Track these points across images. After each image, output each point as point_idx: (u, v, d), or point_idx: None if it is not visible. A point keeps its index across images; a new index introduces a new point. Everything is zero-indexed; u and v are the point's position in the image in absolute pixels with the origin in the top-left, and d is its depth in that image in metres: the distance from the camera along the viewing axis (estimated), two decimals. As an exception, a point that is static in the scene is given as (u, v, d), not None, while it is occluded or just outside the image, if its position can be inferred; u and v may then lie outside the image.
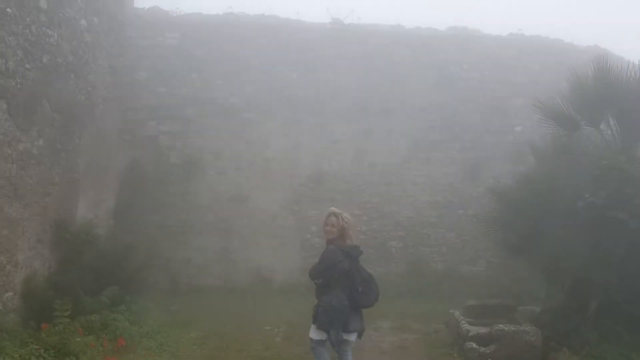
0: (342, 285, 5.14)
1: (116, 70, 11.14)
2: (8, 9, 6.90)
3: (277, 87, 13.07)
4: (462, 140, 13.22)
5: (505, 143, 13.13)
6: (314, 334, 5.28)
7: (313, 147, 13.10)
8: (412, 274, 12.56)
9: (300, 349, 7.79)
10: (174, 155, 13.03)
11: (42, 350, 5.70)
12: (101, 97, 10.23)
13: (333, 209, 5.60)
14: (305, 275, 5.62)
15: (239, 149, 13.07)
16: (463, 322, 7.59)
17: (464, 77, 13.33)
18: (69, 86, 8.90)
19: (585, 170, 7.07)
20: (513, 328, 6.75)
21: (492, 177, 12.81)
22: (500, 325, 6.87)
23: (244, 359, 7.26)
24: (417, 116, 13.13)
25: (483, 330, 7.09)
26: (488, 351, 6.71)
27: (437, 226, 12.99)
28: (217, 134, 13.04)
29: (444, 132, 13.20)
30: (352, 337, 5.30)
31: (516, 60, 13.40)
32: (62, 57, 8.65)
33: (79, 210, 9.13)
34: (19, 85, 7.19)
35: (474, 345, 6.84)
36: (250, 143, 13.08)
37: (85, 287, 7.91)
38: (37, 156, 7.79)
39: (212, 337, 8.51)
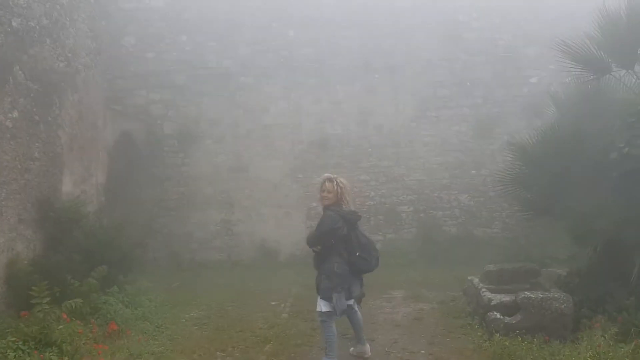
0: (340, 252, 5.12)
1: (98, 35, 10.35)
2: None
3: (274, 47, 12.28)
4: (473, 96, 12.42)
5: (520, 96, 12.33)
6: (322, 305, 5.20)
7: (315, 110, 12.37)
8: (424, 240, 11.97)
9: (307, 325, 7.26)
10: (167, 125, 12.37)
11: (21, 342, 5.14)
12: (82, 64, 9.48)
13: (327, 174, 5.44)
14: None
15: (237, 116, 12.38)
16: (483, 289, 6.98)
17: (473, 27, 12.44)
18: (44, 52, 8.16)
19: (617, 118, 6.31)
20: (541, 295, 6.13)
21: (507, 134, 12.10)
22: (526, 292, 6.25)
23: (246, 339, 6.70)
24: (424, 72, 12.34)
25: (507, 298, 6.48)
26: (514, 321, 6.11)
27: (449, 188, 12.32)
28: (211, 100, 12.33)
29: (454, 87, 12.39)
30: (352, 302, 5.35)
31: (529, 8, 12.44)
32: (35, 20, 7.89)
33: (64, 186, 8.51)
34: (-16, 52, 6.47)
35: (498, 315, 6.25)
36: (248, 109, 12.37)
37: (74, 269, 7.34)
38: (12, 129, 7.13)
39: (213, 316, 7.98)
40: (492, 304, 6.49)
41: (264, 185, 12.32)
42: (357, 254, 5.15)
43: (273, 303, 8.69)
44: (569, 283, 7.15)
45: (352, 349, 5.79)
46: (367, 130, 12.38)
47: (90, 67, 9.87)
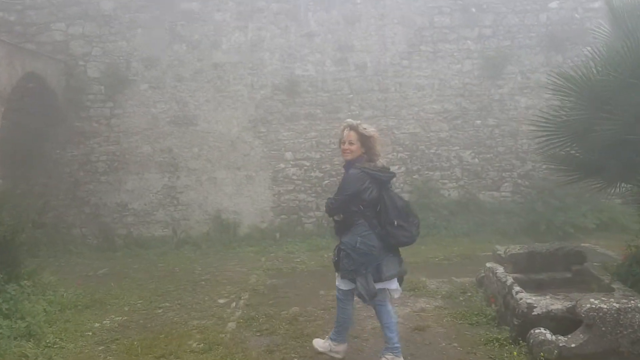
0: (369, 220, 4.20)
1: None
2: None
3: (224, -39, 9.73)
4: (480, 26, 10.15)
5: (537, 25, 10.12)
6: (340, 283, 4.37)
7: (280, 44, 10.01)
8: (419, 206, 9.83)
9: (264, 340, 5.13)
10: (91, 66, 9.91)
11: None
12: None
13: (349, 120, 4.41)
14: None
15: (179, 53, 9.96)
16: (516, 288, 4.90)
17: (480, -64, 10.05)
18: None
19: None
20: (616, 305, 4.07)
21: (520, 74, 10.05)
22: (591, 299, 4.17)
23: (165, 375, 4.58)
24: (419, -6, 9.98)
25: (557, 305, 4.43)
26: (574, 344, 4.06)
27: (449, 143, 10.18)
28: (147, 33, 9.90)
29: (455, 15, 10.11)
30: (392, 285, 4.29)
31: None
32: None
33: None
34: None
35: (548, 335, 4.18)
36: (194, 43, 9.97)
37: None
38: None
39: (134, 325, 5.84)
40: (534, 313, 4.43)
41: (217, 141, 10.04)
42: (395, 223, 4.13)
43: (221, 301, 6.57)
44: (634, 274, 5.12)
45: (325, 343, 4.60)
46: (347, 71, 10.10)
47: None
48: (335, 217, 4.37)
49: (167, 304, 6.53)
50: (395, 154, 10.13)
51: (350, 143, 4.24)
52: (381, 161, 4.32)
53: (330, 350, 4.52)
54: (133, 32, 9.90)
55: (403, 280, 4.49)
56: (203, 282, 7.45)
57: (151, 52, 9.89)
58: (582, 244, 7.42)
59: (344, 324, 4.49)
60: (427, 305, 5.97)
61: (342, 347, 4.53)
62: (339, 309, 4.47)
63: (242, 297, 6.61)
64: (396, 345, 4.32)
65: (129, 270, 8.36)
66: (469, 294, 6.20)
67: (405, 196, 10.03)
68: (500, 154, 10.17)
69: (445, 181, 10.15)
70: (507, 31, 10.09)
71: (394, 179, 4.52)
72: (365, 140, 4.23)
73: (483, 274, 6.11)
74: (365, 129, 4.24)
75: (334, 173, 10.05)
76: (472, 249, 8.72)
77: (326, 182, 10.11)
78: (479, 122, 10.17)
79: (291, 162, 10.08)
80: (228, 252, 9.32)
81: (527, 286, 5.22)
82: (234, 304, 6.37)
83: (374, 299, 4.17)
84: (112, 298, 6.75)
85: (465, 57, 10.15)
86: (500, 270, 5.54)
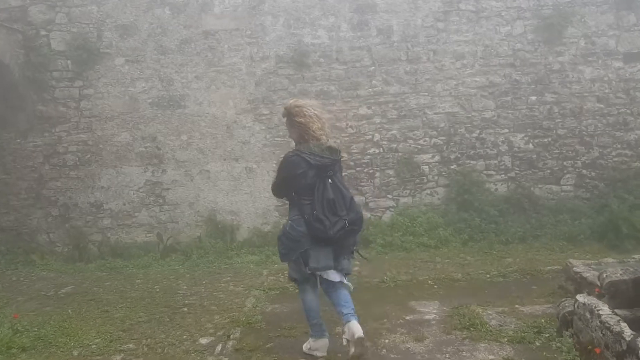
0: (302, 206, 4.05)
1: None
2: None
3: None
4: (534, -23, 8.31)
5: (606, -24, 8.25)
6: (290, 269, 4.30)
7: (285, 5, 8.37)
8: (457, 204, 8.18)
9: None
10: (56, 37, 8.32)
11: None
12: None
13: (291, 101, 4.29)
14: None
15: (161, 18, 8.37)
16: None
17: None
18: None
19: None
20: None
21: (583, 37, 8.24)
22: None
23: None
24: (457, -62, 8.20)
25: None
26: None
27: (496, 124, 8.42)
28: (121, -6, 8.19)
29: (503, -36, 8.27)
30: (333, 277, 4.10)
31: None
32: None
33: None
34: None
35: None
36: (179, 6, 8.36)
37: None
38: None
39: (76, 383, 4.23)
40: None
41: (210, 127, 8.42)
42: (314, 213, 3.95)
43: (203, 342, 4.99)
44: None
45: (307, 345, 4.35)
46: (367, 37, 8.40)
47: None
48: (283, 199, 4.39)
49: (131, 345, 4.94)
50: (427, 139, 8.39)
51: (287, 130, 4.25)
52: (330, 142, 4.16)
53: (310, 349, 4.29)
54: (105, -6, 8.27)
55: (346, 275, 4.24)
56: (185, 309, 5.85)
57: (127, 19, 8.26)
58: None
59: (310, 315, 4.29)
60: (492, 357, 4.25)
61: (321, 343, 4.27)
62: (300, 291, 4.36)
63: (232, 336, 4.97)
64: (349, 311, 4.07)
65: (98, 289, 6.82)
66: (547, 336, 4.49)
67: (441, 193, 8.35)
68: (561, 137, 8.38)
69: (492, 172, 8.38)
70: (568, -17, 8.25)
71: (338, 164, 4.16)
72: (292, 120, 4.11)
73: (570, 309, 4.38)
74: (297, 106, 4.09)
75: (351, 164, 8.38)
76: (531, 260, 6.99)
77: (342, 174, 8.38)
78: (533, 98, 8.38)
79: (300, 151, 8.40)
80: (223, 262, 7.72)
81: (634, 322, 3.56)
82: (219, 347, 4.74)
83: (315, 286, 4.17)
84: (61, 335, 5.19)
85: (516, 17, 8.36)
86: (605, 311, 3.80)
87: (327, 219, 3.94)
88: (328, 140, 4.11)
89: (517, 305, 5.34)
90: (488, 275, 6.48)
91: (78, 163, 8.40)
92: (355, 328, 3.95)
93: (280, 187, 4.20)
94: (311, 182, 3.99)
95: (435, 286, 6.19)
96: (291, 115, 4.10)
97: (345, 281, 4.14)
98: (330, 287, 4.13)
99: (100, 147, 8.39)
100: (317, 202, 3.96)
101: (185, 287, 6.69)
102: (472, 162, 8.37)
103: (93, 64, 8.29)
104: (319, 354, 4.22)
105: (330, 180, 4.02)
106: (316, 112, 4.09)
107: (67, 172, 8.40)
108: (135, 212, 8.44)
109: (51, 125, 8.35)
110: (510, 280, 6.34)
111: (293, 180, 4.02)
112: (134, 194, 8.43)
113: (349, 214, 4.01)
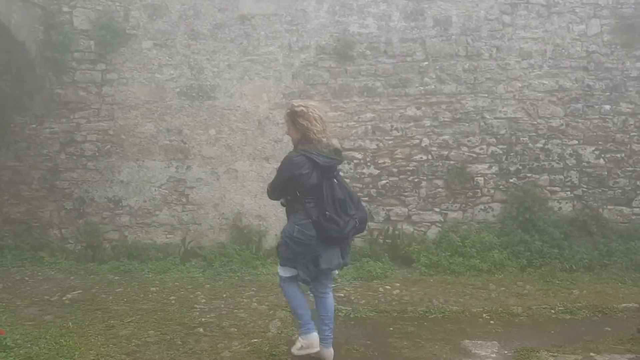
0: (308, 209, 4.03)
1: None
2: None
3: None
4: (615, -32, 7.34)
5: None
6: (281, 269, 4.31)
7: (329, -10, 7.49)
8: (516, 224, 7.24)
9: None
10: (79, 14, 7.71)
11: None
12: None
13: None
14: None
15: (194, 1, 7.57)
16: None
17: None
18: None
19: None
20: None
21: (671, 40, 7.15)
22: None
23: None
24: None
25: None
26: None
27: (564, 135, 7.49)
28: (152, -28, 7.52)
29: (581, -50, 7.34)
30: (335, 273, 4.41)
31: None
32: None
33: None
34: None
35: None
36: (214, -13, 7.55)
37: None
38: None
39: None
40: None
41: (240, 121, 7.72)
42: (327, 214, 3.95)
43: (218, 376, 4.20)
44: None
45: (298, 345, 4.28)
46: (421, 28, 7.57)
47: None
48: (281, 202, 4.34)
49: (136, 371, 4.23)
50: (484, 147, 7.49)
51: (287, 129, 4.26)
52: (333, 142, 4.27)
53: (302, 347, 4.27)
54: (133, -30, 7.62)
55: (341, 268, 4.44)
56: (201, 330, 5.14)
57: (157, -1, 7.59)
58: None
59: (298, 312, 4.30)
60: None
61: (311, 339, 4.24)
62: (286, 296, 4.41)
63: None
64: (327, 337, 4.27)
65: (107, 297, 6.18)
66: None
67: (497, 209, 7.45)
68: (635, 153, 7.42)
69: (556, 189, 7.44)
70: (656, -23, 7.25)
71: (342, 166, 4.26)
72: (295, 121, 4.10)
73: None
74: (297, 107, 4.12)
75: (394, 171, 7.55)
76: (600, 294, 6.08)
77: (384, 182, 7.61)
78: (607, 107, 7.41)
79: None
80: (247, 272, 6.99)
81: None
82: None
83: (293, 279, 4.21)
84: (55, 354, 4.54)
85: (592, 14, 7.41)
86: None
87: (341, 218, 4.00)
88: (329, 142, 4.18)
89: (592, 353, 4.51)
90: (553, 311, 5.63)
91: (97, 154, 7.77)
92: (329, 353, 4.27)
93: (281, 188, 4.21)
94: (316, 183, 4.02)
95: (492, 321, 5.35)
96: (295, 116, 4.09)
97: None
98: (324, 290, 4.29)
99: (122, 137, 7.75)
100: (327, 203, 4.01)
101: (203, 301, 5.99)
102: (534, 175, 7.43)
103: (118, 46, 7.64)
104: (312, 350, 4.23)
105: (335, 181, 4.12)
106: (320, 114, 4.12)
107: (85, 163, 7.77)
108: (156, 211, 7.78)
109: (70, 110, 7.74)
110: (578, 319, 5.49)
111: (297, 181, 4.02)
112: (155, 190, 7.76)
113: (357, 213, 4.12)
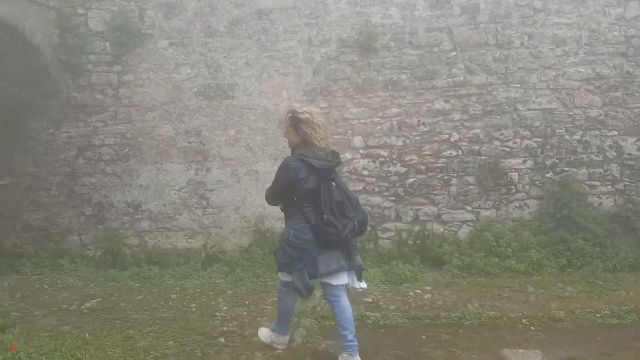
0: (305, 213, 4.07)
1: None
2: None
3: None
4: (657, -54, 6.86)
5: None
6: (281, 274, 4.37)
7: (351, -19, 7.20)
8: (553, 221, 6.84)
9: None
10: (94, 15, 7.56)
11: None
12: None
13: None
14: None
15: (209, -3, 7.39)
16: None
17: None
18: None
19: None
20: None
21: None
22: None
23: None
24: None
25: None
26: None
27: (603, 125, 7.09)
28: (166, -32, 7.33)
29: None
30: (336, 281, 4.14)
31: None
32: None
33: None
34: None
35: None
36: (229, -18, 7.31)
37: None
38: None
39: None
40: None
41: (260, 121, 7.48)
42: (325, 217, 3.97)
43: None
44: None
45: (269, 336, 4.60)
46: (448, 17, 7.25)
47: None
48: (280, 207, 4.36)
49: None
50: (518, 140, 7.10)
51: (287, 132, 4.27)
52: (324, 145, 4.16)
53: (272, 342, 4.52)
54: (147, -32, 7.44)
55: (362, 275, 4.30)
56: (222, 340, 4.88)
57: (172, -3, 7.39)
58: None
59: (283, 316, 4.47)
60: None
61: (283, 339, 4.52)
62: (279, 300, 4.48)
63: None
64: (351, 342, 4.13)
65: (126, 305, 5.98)
66: None
67: (533, 206, 7.06)
68: (682, 142, 6.92)
69: (596, 183, 7.02)
70: (701, -47, 6.76)
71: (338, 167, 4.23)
72: (297, 126, 4.11)
73: None
74: (295, 112, 4.15)
75: (422, 168, 7.22)
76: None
77: (411, 180, 7.28)
78: (650, 95, 6.95)
79: (361, 151, 7.33)
80: (270, 278, 6.71)
81: None
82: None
83: (310, 294, 4.12)
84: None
85: (630, -4, 6.95)
86: None
87: (339, 221, 3.99)
88: (328, 145, 4.18)
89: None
90: (598, 315, 5.26)
91: (115, 157, 7.61)
92: None
93: (279, 194, 4.24)
94: (314, 187, 4.05)
95: (532, 327, 5.00)
96: (299, 122, 4.11)
97: (358, 286, 4.23)
98: (334, 293, 4.19)
99: (140, 140, 7.58)
100: (325, 206, 4.03)
101: (225, 308, 5.75)
102: (572, 169, 7.02)
103: (133, 47, 7.47)
104: (280, 347, 4.51)
105: (333, 183, 4.11)
106: (323, 121, 4.17)
107: (103, 167, 7.63)
108: (176, 215, 7.58)
109: (86, 114, 7.60)
110: (627, 323, 5.11)
111: (294, 186, 4.05)
112: (175, 194, 7.57)
113: (356, 215, 4.10)
